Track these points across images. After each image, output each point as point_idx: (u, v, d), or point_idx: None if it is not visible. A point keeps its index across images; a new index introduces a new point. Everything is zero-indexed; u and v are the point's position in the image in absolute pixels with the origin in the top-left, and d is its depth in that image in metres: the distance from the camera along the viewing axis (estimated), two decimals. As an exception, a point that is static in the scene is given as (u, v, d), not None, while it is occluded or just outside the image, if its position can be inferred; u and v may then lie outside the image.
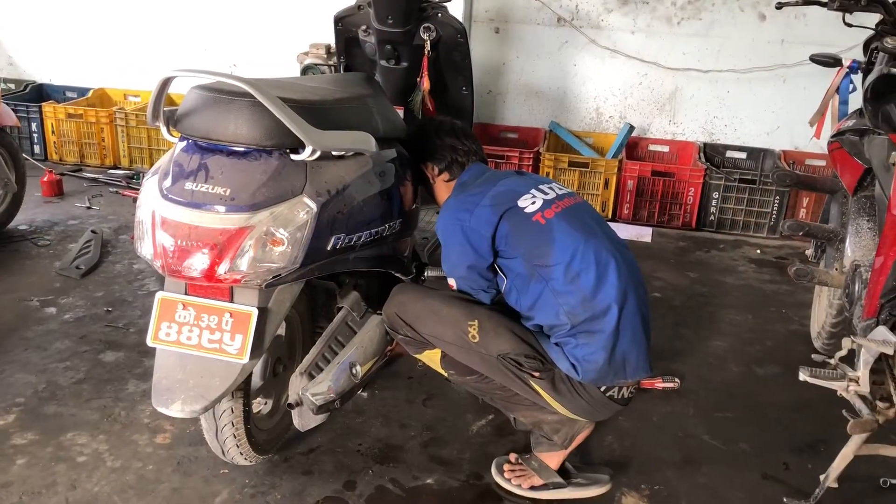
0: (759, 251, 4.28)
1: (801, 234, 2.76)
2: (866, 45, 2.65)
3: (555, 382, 2.10)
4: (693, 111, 4.87)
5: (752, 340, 3.27)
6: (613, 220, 4.57)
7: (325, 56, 4.46)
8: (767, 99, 4.75)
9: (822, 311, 3.08)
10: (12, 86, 5.52)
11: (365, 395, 2.69)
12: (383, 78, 3.15)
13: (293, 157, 1.88)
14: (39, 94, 5.46)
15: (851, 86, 2.77)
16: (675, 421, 2.68)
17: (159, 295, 1.93)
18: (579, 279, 2.03)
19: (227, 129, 1.84)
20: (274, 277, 1.86)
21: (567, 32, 4.86)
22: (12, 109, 4.97)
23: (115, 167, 5.07)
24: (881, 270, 2.07)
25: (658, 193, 4.48)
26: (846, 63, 2.72)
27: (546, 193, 2.17)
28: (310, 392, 2.00)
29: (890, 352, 1.84)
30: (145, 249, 1.86)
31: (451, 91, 3.23)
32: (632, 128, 4.72)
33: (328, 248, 1.94)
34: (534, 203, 2.11)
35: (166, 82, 1.84)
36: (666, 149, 4.92)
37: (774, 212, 4.44)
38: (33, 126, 5.00)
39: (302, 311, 2.35)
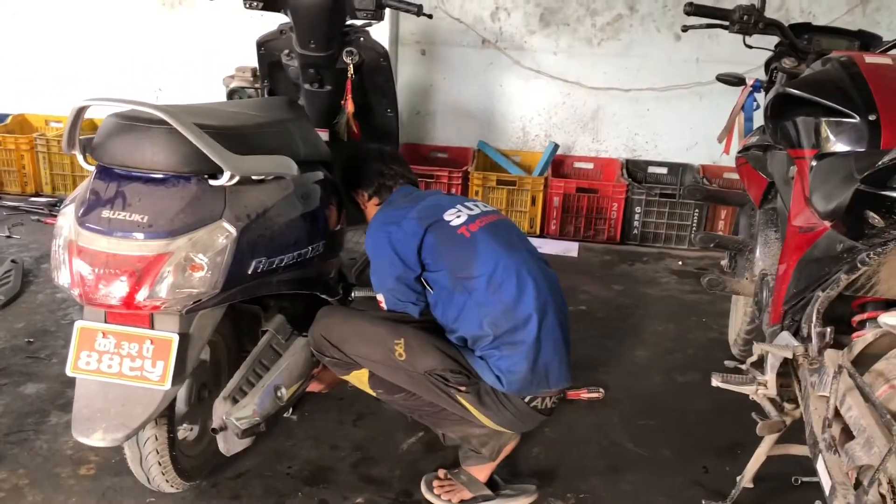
0: (680, 263, 4.43)
1: (711, 245, 2.88)
2: (767, 64, 2.80)
3: (480, 396, 2.14)
4: (615, 129, 5.03)
5: (674, 349, 3.39)
6: (541, 235, 4.67)
7: (252, 79, 4.45)
8: (685, 116, 4.93)
9: (738, 319, 3.21)
10: (-75, 113, 5.37)
11: (295, 417, 2.70)
12: (308, 101, 3.18)
13: (212, 182, 1.89)
14: (-44, 121, 5.32)
15: (755, 103, 2.92)
16: (600, 430, 2.75)
17: (78, 324, 1.91)
18: (501, 290, 2.10)
19: (144, 156, 1.85)
20: (195, 303, 1.86)
21: (492, 54, 4.97)
22: (-74, 137, 4.85)
23: (37, 195, 4.96)
24: (783, 278, 2.18)
25: (583, 209, 4.60)
26: (749, 82, 2.86)
27: (471, 209, 2.25)
28: (234, 416, 2.00)
29: (790, 356, 1.94)
30: (62, 278, 1.84)
31: (377, 113, 3.27)
32: (556, 146, 4.84)
33: (249, 272, 1.96)
34: (458, 217, 2.19)
35: (80, 111, 1.84)
36: (591, 166, 5.06)
37: (694, 224, 4.60)
38: (-50, 154, 4.86)
39: (227, 335, 2.35)
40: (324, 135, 3.21)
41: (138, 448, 2.03)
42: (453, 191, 4.59)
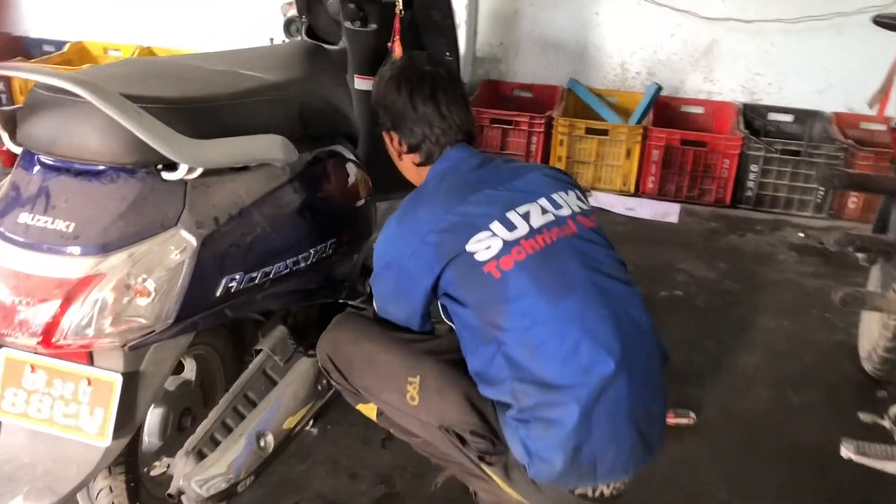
0: (802, 234, 3.72)
1: (850, 249, 2.22)
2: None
3: (508, 469, 1.60)
4: (732, 67, 4.26)
5: (788, 354, 2.76)
6: (636, 194, 4.02)
7: (307, 8, 3.94)
8: (820, 53, 4.10)
9: (873, 326, 2.55)
10: (-13, 38, 5.12)
11: (315, 431, 2.26)
12: (349, 42, 2.64)
13: (165, 175, 1.42)
14: (16, 47, 5.05)
15: (925, 57, 2.20)
16: (688, 469, 2.20)
17: (3, 352, 1.49)
18: (537, 354, 1.51)
19: (72, 140, 1.39)
20: (142, 337, 1.42)
21: (588, -24, 4.26)
22: (-23, 68, 4.59)
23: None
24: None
25: (688, 165, 3.91)
26: (920, 27, 2.14)
27: (514, 227, 1.58)
28: (195, 480, 1.56)
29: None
30: (-32, 301, 1.42)
31: (433, 56, 2.70)
32: (659, 88, 4.13)
33: (218, 294, 1.49)
34: (489, 247, 1.56)
35: None
36: (700, 110, 4.33)
37: (821, 189, 3.85)
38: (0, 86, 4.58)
39: (221, 347, 1.91)
40: (368, 83, 2.69)
41: (90, 502, 1.64)
42: (534, 140, 3.99)
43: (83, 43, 4.95)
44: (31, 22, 5.13)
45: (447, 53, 2.70)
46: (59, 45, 4.97)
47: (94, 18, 4.96)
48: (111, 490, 1.63)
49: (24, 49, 5.06)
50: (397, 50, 2.56)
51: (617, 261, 1.69)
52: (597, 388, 1.50)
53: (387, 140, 1.82)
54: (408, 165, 1.82)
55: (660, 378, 1.64)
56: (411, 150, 1.77)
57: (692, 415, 2.38)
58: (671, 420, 2.36)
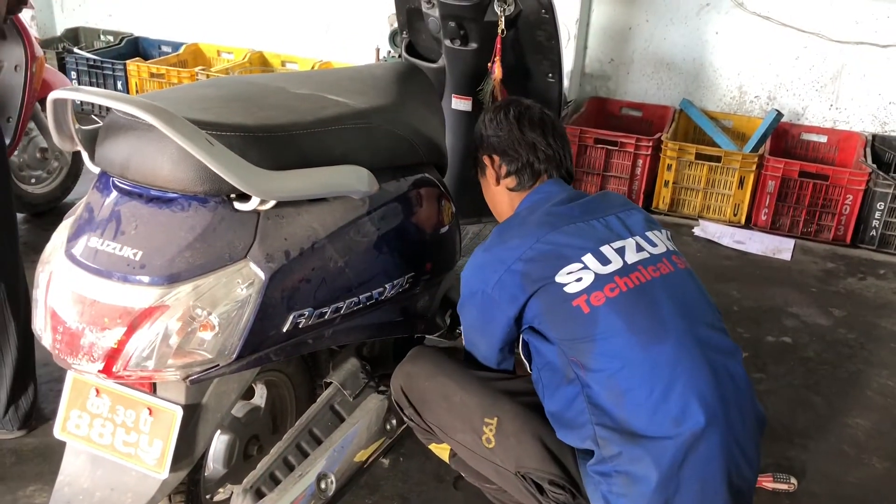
0: (932, 282, 3.40)
1: None
2: None
3: None
4: (863, 95, 3.94)
5: (909, 421, 2.51)
6: (747, 226, 3.78)
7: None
8: (964, 83, 3.76)
9: None
10: (111, 38, 5.33)
11: (386, 462, 2.19)
12: (449, 61, 2.57)
13: (238, 205, 1.37)
14: (135, 48, 5.23)
15: None
16: (784, 545, 2.02)
17: (71, 373, 1.48)
18: (624, 399, 1.42)
19: (145, 166, 1.35)
20: (203, 371, 1.37)
21: (709, -7, 4.04)
22: (98, 67, 4.77)
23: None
24: None
25: (806, 198, 3.64)
26: None
27: (608, 262, 1.50)
28: (252, 522, 1.51)
29: None
30: (37, 321, 1.40)
31: (535, 78, 2.59)
32: (779, 115, 3.85)
33: (285, 330, 1.43)
34: (580, 280, 1.48)
35: (55, 105, 1.35)
36: (823, 139, 4.03)
37: (958, 232, 3.52)
38: (118, 85, 4.73)
39: (293, 373, 1.86)
40: (466, 104, 2.62)
41: (147, 530, 1.61)
42: (639, 163, 3.80)
43: (198, 45, 5.08)
44: (150, 24, 5.30)
45: (549, 76, 2.59)
46: (176, 46, 5.12)
47: (209, 21, 5.09)
48: (169, 519, 1.60)
49: (144, 49, 5.24)
50: (497, 71, 2.47)
51: (714, 309, 1.59)
52: (687, 443, 1.40)
53: (482, 162, 1.80)
54: (500, 194, 1.79)
55: (756, 439, 1.52)
56: (509, 174, 1.74)
57: (793, 480, 2.18)
58: (769, 484, 2.17)
